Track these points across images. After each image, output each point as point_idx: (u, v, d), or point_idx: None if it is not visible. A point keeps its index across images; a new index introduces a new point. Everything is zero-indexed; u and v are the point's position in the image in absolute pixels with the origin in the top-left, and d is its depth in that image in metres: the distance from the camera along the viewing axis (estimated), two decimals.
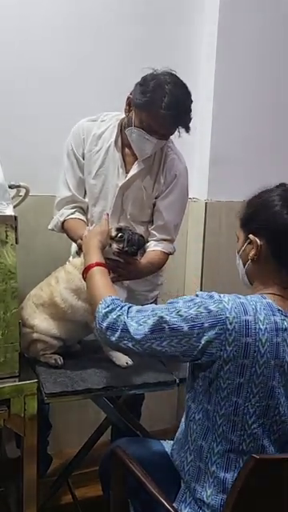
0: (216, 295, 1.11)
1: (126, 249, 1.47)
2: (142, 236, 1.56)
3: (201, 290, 2.28)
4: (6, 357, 1.35)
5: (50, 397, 1.36)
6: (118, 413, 1.67)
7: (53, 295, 1.50)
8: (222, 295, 1.11)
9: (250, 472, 0.91)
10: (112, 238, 1.47)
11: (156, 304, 2.00)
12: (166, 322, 1.09)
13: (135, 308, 1.16)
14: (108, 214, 1.58)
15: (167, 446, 1.39)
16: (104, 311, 1.16)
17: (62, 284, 1.51)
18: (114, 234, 1.48)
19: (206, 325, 1.07)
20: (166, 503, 1.09)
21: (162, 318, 1.10)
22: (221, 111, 2.28)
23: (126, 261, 1.51)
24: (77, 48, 2.05)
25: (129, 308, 1.16)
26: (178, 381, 1.48)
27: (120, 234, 1.47)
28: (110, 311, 1.15)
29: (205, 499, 1.15)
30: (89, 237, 1.43)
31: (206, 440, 1.15)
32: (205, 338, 1.07)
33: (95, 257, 1.34)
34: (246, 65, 2.31)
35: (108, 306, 1.16)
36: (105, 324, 1.14)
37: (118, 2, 2.10)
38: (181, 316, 1.09)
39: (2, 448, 1.98)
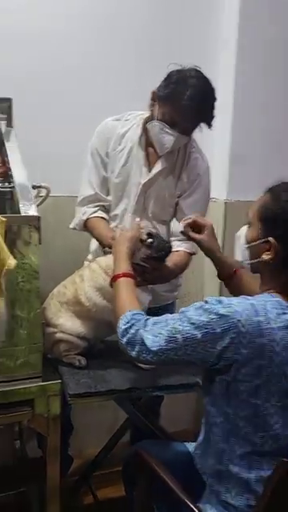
0: (225, 299, 1.11)
1: (155, 255, 1.46)
2: (169, 243, 1.54)
3: (220, 291, 2.27)
4: (29, 357, 1.35)
5: (73, 397, 1.36)
6: (139, 414, 1.66)
7: (77, 293, 1.50)
8: (230, 299, 1.12)
9: (283, 475, 0.89)
10: (141, 241, 1.45)
11: (174, 305, 2.00)
12: (180, 332, 1.10)
13: (152, 321, 1.18)
14: (139, 219, 1.57)
15: (190, 447, 1.38)
16: (124, 327, 1.18)
17: (86, 282, 1.51)
18: (144, 237, 1.45)
19: (219, 330, 1.07)
20: (191, 505, 1.09)
21: (175, 328, 1.11)
22: (241, 108, 2.25)
23: (153, 267, 1.49)
24: (99, 48, 2.05)
25: (146, 321, 1.18)
26: (200, 383, 1.46)
27: (150, 240, 1.45)
28: (130, 327, 1.17)
29: (229, 500, 1.14)
30: (119, 242, 1.42)
31: (228, 443, 1.14)
32: (219, 343, 1.07)
33: (123, 266, 1.34)
34: (267, 60, 2.28)
35: (128, 322, 1.18)
36: (124, 340, 1.17)
37: (141, 3, 2.11)
38: (193, 324, 1.09)
39: (24, 448, 2.00)
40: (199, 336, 1.08)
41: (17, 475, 1.94)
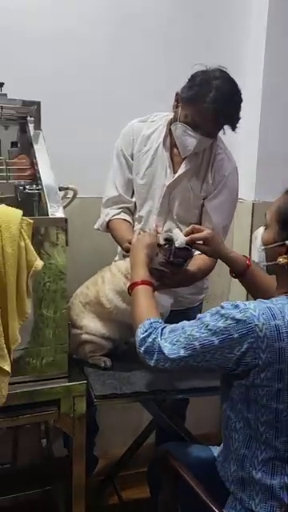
0: (241, 304, 1.09)
1: (172, 260, 1.42)
2: (188, 248, 1.46)
3: (247, 293, 2.24)
4: (55, 357, 1.37)
5: (99, 399, 1.36)
6: (164, 416, 1.66)
7: (99, 295, 1.51)
8: (247, 303, 1.09)
9: None
10: (159, 246, 1.43)
11: (201, 308, 1.99)
12: (197, 339, 1.09)
13: (168, 328, 1.17)
14: (157, 226, 1.54)
15: (215, 450, 1.36)
16: (142, 336, 1.17)
17: (107, 285, 1.51)
18: (161, 242, 1.42)
19: (236, 336, 1.05)
20: (216, 510, 1.08)
21: (192, 335, 1.10)
22: (269, 106, 2.22)
23: (172, 271, 1.45)
24: (126, 49, 2.06)
25: (162, 329, 1.17)
26: None
27: (167, 246, 1.41)
28: (148, 336, 1.16)
29: (253, 508, 1.12)
30: (137, 248, 1.40)
31: (249, 448, 1.13)
32: (237, 348, 1.06)
33: (141, 273, 1.33)
34: None
35: (146, 331, 1.17)
36: (142, 349, 1.16)
37: (168, 4, 2.11)
38: (210, 330, 1.08)
39: (50, 447, 2.02)
40: (216, 342, 1.07)
41: (43, 474, 1.96)
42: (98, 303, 1.51)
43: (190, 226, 1.44)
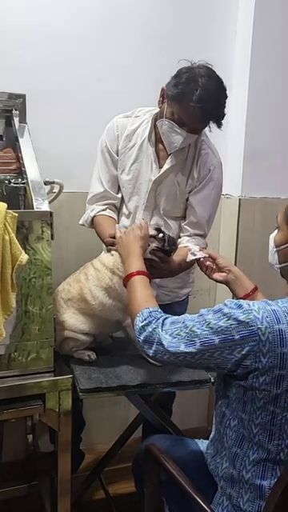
0: (245, 304, 1.06)
1: (167, 248, 1.47)
2: (174, 237, 1.58)
3: None
4: (41, 352, 1.37)
5: (84, 393, 1.36)
6: (151, 410, 1.66)
7: (82, 291, 1.50)
8: (251, 303, 1.06)
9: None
10: (152, 237, 1.46)
11: (187, 301, 1.99)
12: (198, 336, 1.07)
13: (170, 320, 1.15)
14: (146, 222, 1.55)
15: (202, 445, 1.36)
16: (141, 324, 1.15)
17: (91, 281, 1.50)
18: (153, 233, 1.47)
19: (237, 337, 1.03)
20: (203, 504, 1.06)
21: (193, 331, 1.08)
22: (256, 102, 2.22)
23: (162, 260, 1.50)
24: (113, 43, 2.05)
25: (164, 320, 1.15)
26: (212, 380, 1.45)
27: (161, 234, 1.47)
28: (147, 324, 1.15)
29: (241, 506, 1.12)
30: (130, 241, 1.40)
31: (241, 448, 1.12)
32: (238, 350, 1.04)
33: (136, 264, 1.33)
34: (283, 53, 2.25)
35: (145, 319, 1.15)
36: (142, 337, 1.15)
37: None
38: (211, 328, 1.06)
39: (36, 442, 2.01)
40: (217, 341, 1.05)
41: (29, 469, 1.95)
42: (81, 300, 1.50)
43: (211, 252, 1.52)
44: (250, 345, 1.02)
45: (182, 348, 1.08)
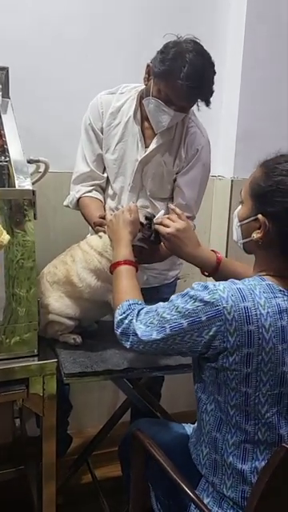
0: (211, 285, 1.06)
1: (153, 239, 1.43)
2: None
3: None
4: (25, 335, 1.33)
5: (69, 377, 1.33)
6: (138, 394, 1.64)
7: (69, 274, 1.46)
8: (216, 284, 1.06)
9: (281, 462, 0.85)
10: (141, 225, 1.42)
11: (175, 284, 1.96)
12: (168, 322, 1.07)
13: (145, 310, 1.15)
14: (136, 205, 1.49)
15: (189, 429, 1.35)
16: (119, 318, 1.16)
17: (79, 264, 1.46)
18: (142, 220, 1.42)
19: (204, 318, 1.03)
20: (188, 490, 1.06)
21: (163, 318, 1.09)
22: (249, 82, 2.16)
23: (150, 247, 1.46)
24: (100, 19, 1.97)
25: (139, 311, 1.15)
26: None
27: (149, 224, 1.42)
28: (125, 317, 1.15)
29: (225, 492, 1.11)
30: (118, 225, 1.36)
31: (220, 431, 1.11)
32: (206, 332, 1.03)
33: (124, 252, 1.31)
34: (277, 32, 2.18)
35: (124, 313, 1.16)
36: (119, 330, 1.16)
37: None
38: (179, 312, 1.07)
39: (23, 426, 2.00)
40: (185, 325, 1.05)
41: (16, 453, 1.94)
42: (67, 282, 1.46)
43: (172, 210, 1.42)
44: (216, 325, 1.02)
45: (154, 336, 1.08)
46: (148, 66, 1.55)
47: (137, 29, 2.02)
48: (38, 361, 1.34)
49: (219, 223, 2.31)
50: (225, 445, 1.10)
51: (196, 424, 1.23)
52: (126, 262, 1.28)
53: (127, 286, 1.24)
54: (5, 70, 1.52)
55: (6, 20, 1.82)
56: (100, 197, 1.73)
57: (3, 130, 1.48)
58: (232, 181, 2.23)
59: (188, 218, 1.69)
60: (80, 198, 1.71)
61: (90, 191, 1.72)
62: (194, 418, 1.29)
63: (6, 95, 1.57)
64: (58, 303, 1.46)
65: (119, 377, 1.44)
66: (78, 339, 1.49)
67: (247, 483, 1.08)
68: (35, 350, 1.35)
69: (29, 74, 1.85)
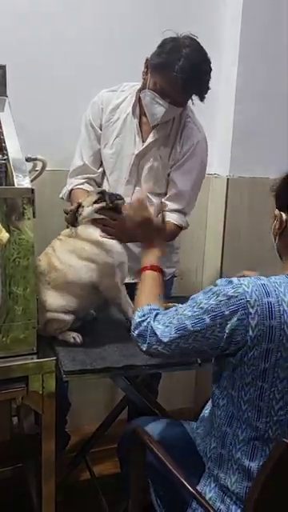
0: (235, 280, 1.06)
1: (110, 205, 1.49)
2: (120, 195, 1.56)
3: (221, 268, 2.23)
4: (24, 334, 1.33)
5: (68, 374, 1.34)
6: (136, 391, 1.65)
7: (51, 261, 1.49)
8: (241, 279, 1.06)
9: (280, 457, 0.86)
10: (96, 202, 1.49)
11: (172, 282, 1.96)
12: (189, 318, 1.08)
13: (163, 312, 1.16)
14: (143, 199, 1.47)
15: (188, 426, 1.36)
16: (138, 320, 1.17)
17: (58, 250, 1.51)
18: (96, 198, 1.50)
19: (227, 312, 1.03)
20: (189, 486, 1.07)
21: (184, 315, 1.09)
22: (246, 79, 2.17)
23: (112, 217, 1.49)
24: (99, 19, 1.97)
25: (157, 313, 1.16)
26: (199, 361, 1.44)
27: (100, 194, 1.51)
28: (144, 320, 1.16)
29: (229, 486, 1.12)
30: (149, 233, 1.38)
31: (230, 426, 1.12)
32: (228, 326, 1.03)
33: (150, 257, 1.34)
34: (275, 28, 2.19)
35: (143, 316, 1.16)
36: (136, 332, 1.16)
37: None
38: (201, 308, 1.07)
39: (21, 424, 1.99)
40: (208, 320, 1.05)
41: (13, 451, 1.94)
42: (51, 269, 1.48)
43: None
44: (239, 318, 1.02)
45: (174, 334, 1.08)
46: (147, 60, 1.58)
47: (137, 28, 2.03)
48: (37, 359, 1.34)
49: (215, 222, 2.32)
50: (234, 440, 1.11)
51: (205, 416, 1.24)
52: (152, 267, 1.31)
53: (150, 290, 1.27)
54: (2, 68, 1.52)
55: (3, 18, 1.81)
56: (91, 189, 1.74)
57: (1, 128, 1.48)
58: (228, 179, 2.24)
59: (180, 211, 1.70)
60: (72, 190, 1.74)
61: (81, 184, 1.74)
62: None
63: (4, 93, 1.58)
64: (51, 298, 1.46)
65: (118, 374, 1.45)
66: (78, 338, 1.49)
67: (252, 480, 1.08)
68: (34, 348, 1.35)
69: (26, 73, 1.84)
